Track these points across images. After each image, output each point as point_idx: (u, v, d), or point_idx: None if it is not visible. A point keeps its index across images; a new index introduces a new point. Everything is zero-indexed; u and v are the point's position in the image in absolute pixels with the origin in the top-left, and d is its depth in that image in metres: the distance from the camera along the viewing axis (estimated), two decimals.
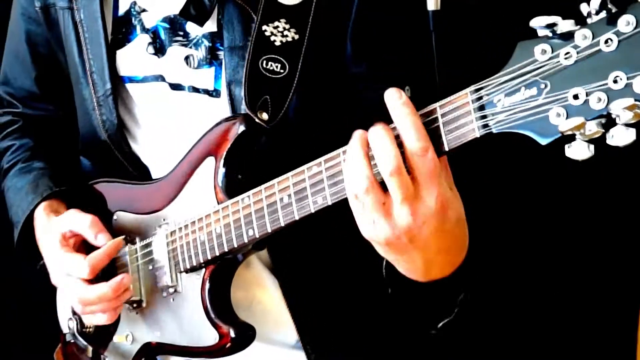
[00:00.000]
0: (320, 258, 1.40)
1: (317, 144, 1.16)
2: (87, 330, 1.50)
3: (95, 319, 1.41)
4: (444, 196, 1.03)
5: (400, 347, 1.45)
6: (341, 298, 1.41)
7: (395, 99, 1.03)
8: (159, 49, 1.42)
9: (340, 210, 1.15)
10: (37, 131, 1.63)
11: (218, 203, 1.31)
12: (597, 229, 1.97)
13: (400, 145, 1.03)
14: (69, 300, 1.48)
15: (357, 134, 1.07)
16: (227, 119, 1.33)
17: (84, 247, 1.43)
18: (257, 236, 1.23)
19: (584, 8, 0.93)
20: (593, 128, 0.91)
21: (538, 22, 0.94)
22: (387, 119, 1.07)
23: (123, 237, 1.42)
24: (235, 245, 1.26)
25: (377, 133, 1.04)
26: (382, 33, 1.33)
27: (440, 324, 1.22)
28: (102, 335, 1.48)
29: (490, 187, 1.87)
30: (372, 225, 1.06)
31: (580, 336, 1.99)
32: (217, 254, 1.29)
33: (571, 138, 0.94)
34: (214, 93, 1.39)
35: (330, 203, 1.13)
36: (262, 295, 1.42)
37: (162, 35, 1.42)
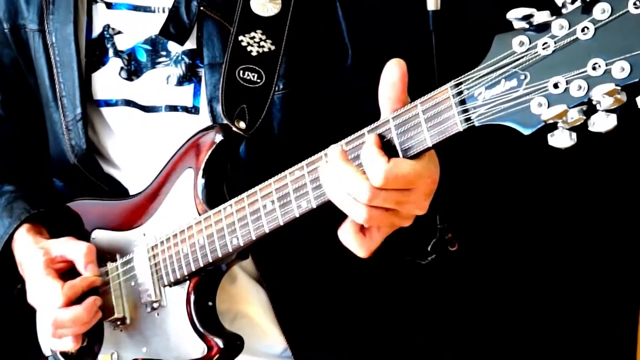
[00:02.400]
0: (307, 265, 1.44)
1: (301, 154, 1.21)
2: (70, 352, 1.53)
3: (62, 344, 1.45)
4: (430, 180, 1.10)
5: (390, 355, 1.49)
6: (329, 305, 1.45)
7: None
8: (134, 72, 1.47)
9: (326, 216, 1.19)
10: (3, 153, 1.65)
11: (199, 214, 1.35)
12: (597, 228, 2.01)
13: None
14: (42, 319, 1.51)
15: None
16: (204, 130, 1.37)
17: (68, 274, 1.46)
18: (242, 244, 1.27)
19: None
20: (575, 115, 0.96)
21: (514, 14, 0.99)
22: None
23: (100, 276, 1.45)
24: (220, 255, 1.30)
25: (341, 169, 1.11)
26: (381, 40, 1.40)
27: (430, 247, 1.30)
28: (86, 356, 1.51)
29: (488, 186, 1.91)
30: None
31: (580, 336, 2.02)
32: (202, 265, 1.33)
33: (553, 127, 0.98)
34: (193, 110, 1.45)
35: (314, 206, 1.17)
36: (247, 307, 1.46)
37: (142, 58, 1.47)
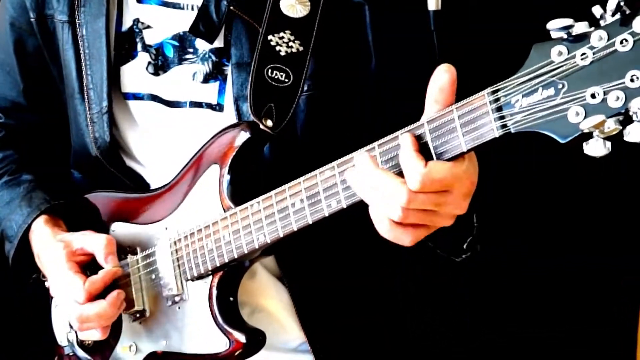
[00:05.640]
0: (328, 262, 1.47)
1: (323, 156, 1.23)
2: (87, 342, 1.55)
3: (91, 335, 1.48)
4: (468, 182, 1.11)
5: (408, 352, 1.52)
6: (349, 301, 1.48)
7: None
8: (160, 67, 1.49)
9: (347, 214, 1.21)
10: (22, 142, 1.66)
11: (224, 210, 1.37)
12: (597, 228, 2.04)
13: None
14: (67, 314, 1.53)
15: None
16: (231, 127, 1.39)
17: (89, 267, 1.48)
18: (269, 241, 1.29)
19: (596, 10, 1.00)
20: (611, 125, 0.99)
21: (554, 25, 1.01)
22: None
23: (119, 267, 1.46)
24: (246, 251, 1.32)
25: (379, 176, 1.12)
26: (402, 49, 1.43)
27: (466, 244, 1.35)
28: (103, 347, 1.53)
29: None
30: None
31: (580, 336, 2.06)
32: (226, 260, 1.35)
33: (589, 136, 1.01)
34: (217, 107, 1.47)
35: (345, 206, 1.20)
36: (265, 302, 1.48)
37: (170, 53, 1.49)
